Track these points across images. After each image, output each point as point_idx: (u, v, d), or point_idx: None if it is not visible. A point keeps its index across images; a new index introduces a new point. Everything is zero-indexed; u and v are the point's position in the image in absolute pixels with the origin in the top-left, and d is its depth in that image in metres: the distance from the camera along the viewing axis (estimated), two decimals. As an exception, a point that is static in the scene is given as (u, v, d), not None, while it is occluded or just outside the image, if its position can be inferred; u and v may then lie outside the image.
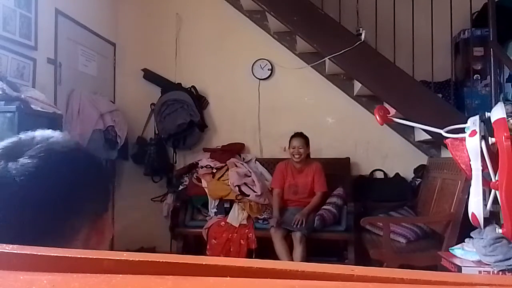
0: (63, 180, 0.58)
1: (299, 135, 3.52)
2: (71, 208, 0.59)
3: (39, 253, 0.36)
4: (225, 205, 3.62)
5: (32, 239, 0.49)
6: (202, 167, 3.78)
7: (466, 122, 1.88)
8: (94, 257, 0.35)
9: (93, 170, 0.66)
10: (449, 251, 2.23)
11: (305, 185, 3.49)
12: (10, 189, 0.55)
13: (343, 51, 3.23)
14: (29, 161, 0.56)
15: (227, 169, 3.70)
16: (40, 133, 0.62)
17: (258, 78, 4.04)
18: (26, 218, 0.55)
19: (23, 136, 0.62)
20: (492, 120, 1.78)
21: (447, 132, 2.00)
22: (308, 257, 3.14)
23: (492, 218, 1.95)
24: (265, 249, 3.26)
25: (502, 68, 3.34)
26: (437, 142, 3.45)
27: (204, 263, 0.33)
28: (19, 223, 0.54)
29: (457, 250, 2.17)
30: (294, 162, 3.54)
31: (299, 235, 3.13)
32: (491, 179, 1.78)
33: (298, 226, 3.19)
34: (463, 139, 1.85)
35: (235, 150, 3.95)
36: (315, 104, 3.99)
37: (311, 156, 3.67)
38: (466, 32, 3.57)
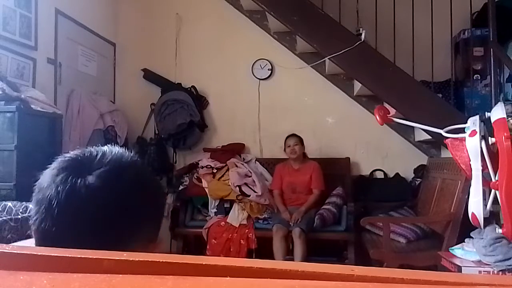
0: (124, 206, 0.59)
1: (292, 134, 3.60)
2: (130, 233, 0.59)
3: (39, 253, 0.36)
4: (225, 205, 3.62)
5: None
6: (202, 167, 3.78)
7: (466, 122, 1.88)
8: (94, 257, 0.35)
9: (155, 199, 0.66)
10: (449, 251, 2.23)
11: (303, 184, 3.51)
12: (75, 205, 0.56)
13: (343, 51, 3.23)
14: (96, 183, 0.57)
15: (228, 169, 3.70)
16: (109, 151, 0.62)
17: (258, 78, 4.04)
18: (84, 238, 0.55)
19: (93, 150, 0.62)
20: (492, 120, 1.78)
21: (447, 132, 2.00)
22: (308, 257, 3.14)
23: (492, 218, 1.95)
24: (265, 249, 3.26)
25: (502, 68, 3.34)
26: (437, 142, 3.45)
27: (204, 263, 0.33)
28: (77, 242, 0.52)
29: (457, 250, 2.17)
30: (292, 162, 3.57)
31: (298, 231, 3.15)
32: (491, 179, 1.78)
33: (296, 223, 3.22)
34: (463, 139, 1.85)
35: (235, 150, 3.95)
36: (315, 104, 3.99)
37: (311, 156, 3.69)
38: (466, 32, 3.57)
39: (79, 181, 0.56)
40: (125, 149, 0.65)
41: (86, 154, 0.61)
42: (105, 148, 0.63)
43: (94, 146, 0.63)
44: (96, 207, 0.56)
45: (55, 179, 0.57)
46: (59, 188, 0.56)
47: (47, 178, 0.59)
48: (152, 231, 0.64)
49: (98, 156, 0.60)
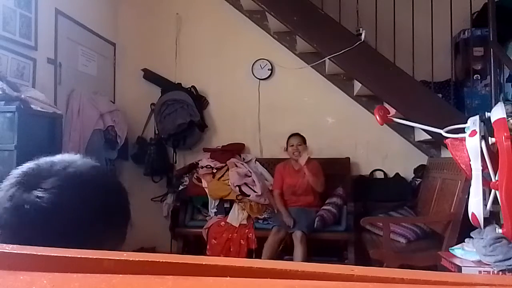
0: (76, 219, 0.57)
1: (296, 134, 3.57)
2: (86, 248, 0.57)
3: (39, 253, 0.36)
4: (225, 205, 3.62)
5: None
6: (202, 167, 3.78)
7: (466, 122, 1.88)
8: (94, 257, 0.35)
9: (113, 208, 0.64)
10: (449, 251, 2.23)
11: (304, 185, 3.47)
12: (22, 221, 0.55)
13: (343, 51, 3.23)
14: (42, 195, 0.55)
15: (227, 169, 3.70)
16: (60, 160, 0.60)
17: (258, 78, 4.04)
18: None
19: (42, 163, 0.60)
20: (492, 120, 1.78)
21: (447, 132, 2.00)
22: (308, 257, 3.14)
23: (492, 218, 1.95)
24: (265, 249, 3.26)
25: (502, 68, 3.33)
26: (437, 142, 3.45)
27: (204, 263, 0.33)
28: None
29: (457, 250, 2.17)
30: (292, 162, 3.54)
31: (299, 235, 3.13)
32: (491, 179, 1.78)
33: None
34: (463, 139, 1.85)
35: (235, 150, 3.95)
36: (315, 104, 3.99)
37: (311, 156, 3.67)
38: (466, 32, 3.57)
39: (25, 197, 0.55)
40: (83, 155, 0.63)
41: (34, 168, 0.59)
42: (57, 158, 0.61)
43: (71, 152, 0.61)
44: (44, 223, 0.55)
45: (5, 195, 0.57)
46: (6, 205, 0.56)
47: (0, 193, 0.58)
48: (115, 241, 0.61)
49: (46, 168, 0.58)
